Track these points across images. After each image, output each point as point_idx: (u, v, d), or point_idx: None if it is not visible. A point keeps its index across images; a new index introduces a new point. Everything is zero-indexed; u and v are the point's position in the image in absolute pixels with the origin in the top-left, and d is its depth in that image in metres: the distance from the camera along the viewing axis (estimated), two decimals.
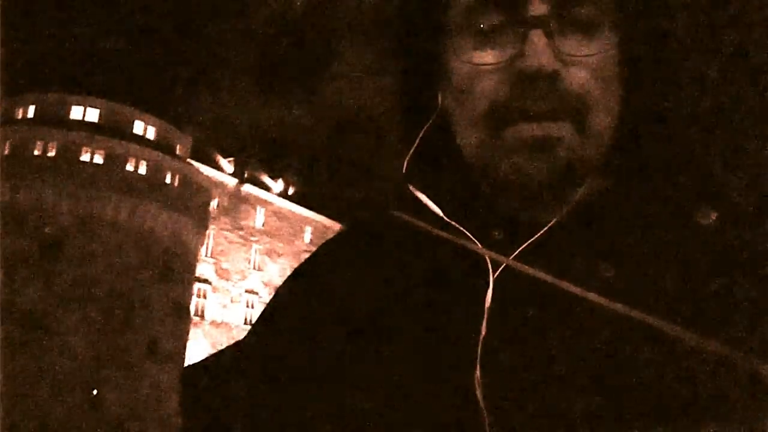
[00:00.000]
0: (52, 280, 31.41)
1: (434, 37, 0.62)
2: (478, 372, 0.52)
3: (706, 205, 0.57)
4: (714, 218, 0.56)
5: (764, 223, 0.56)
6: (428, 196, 0.62)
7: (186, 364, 0.69)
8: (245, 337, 0.69)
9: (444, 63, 0.61)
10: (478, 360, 0.53)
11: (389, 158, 0.68)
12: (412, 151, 0.64)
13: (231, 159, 44.10)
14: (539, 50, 0.54)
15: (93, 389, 31.30)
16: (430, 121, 0.64)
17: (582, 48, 0.55)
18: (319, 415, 0.57)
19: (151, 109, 36.88)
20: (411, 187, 0.63)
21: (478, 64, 0.57)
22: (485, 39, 0.57)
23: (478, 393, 0.51)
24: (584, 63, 0.56)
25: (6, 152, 33.15)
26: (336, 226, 46.87)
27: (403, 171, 0.64)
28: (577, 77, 0.55)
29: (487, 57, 0.57)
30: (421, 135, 0.65)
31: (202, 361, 0.69)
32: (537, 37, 0.54)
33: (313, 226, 47.72)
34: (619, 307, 0.49)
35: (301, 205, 47.31)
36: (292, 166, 48.57)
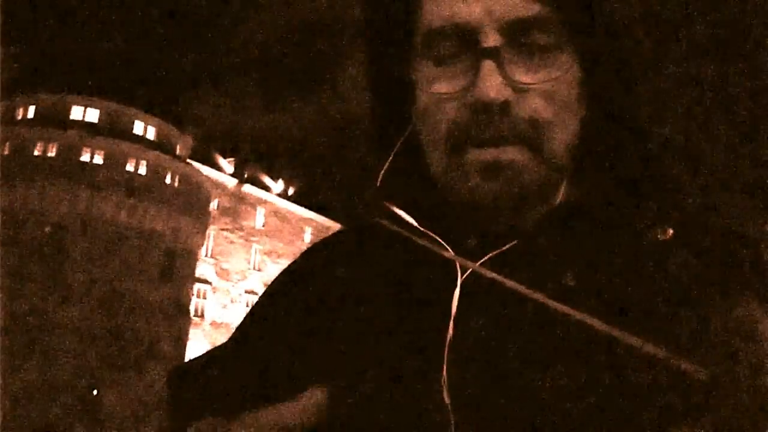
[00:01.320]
0: (52, 280, 31.40)
1: (403, 56, 0.64)
2: (444, 374, 0.54)
3: (663, 221, 0.59)
4: (670, 234, 0.58)
5: (717, 239, 0.58)
6: (406, 205, 0.64)
7: (173, 366, 0.70)
8: (231, 337, 0.70)
9: (412, 85, 0.63)
10: (445, 362, 0.54)
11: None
12: (386, 165, 0.66)
13: (231, 159, 44.11)
14: (491, 81, 0.55)
15: (93, 389, 31.29)
16: (404, 137, 0.66)
17: (536, 75, 0.57)
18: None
19: (152, 111, 36.84)
20: (385, 202, 0.65)
21: (436, 93, 0.59)
22: (442, 67, 0.59)
23: (445, 394, 0.53)
24: (539, 89, 0.57)
25: (6, 152, 33.09)
26: (336, 227, 46.89)
27: (377, 185, 0.66)
28: (531, 104, 0.57)
29: (444, 86, 0.58)
30: (394, 151, 0.67)
31: (188, 361, 0.70)
32: (489, 68, 0.56)
33: (313, 227, 47.72)
34: (575, 312, 0.52)
35: (301, 206, 47.32)
36: (293, 169, 48.59)
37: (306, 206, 47.57)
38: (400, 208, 0.64)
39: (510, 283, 0.54)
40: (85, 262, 32.24)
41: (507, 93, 0.56)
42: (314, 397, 0.51)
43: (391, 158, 0.67)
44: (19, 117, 34.93)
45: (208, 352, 0.71)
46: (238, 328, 0.70)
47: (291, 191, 47.67)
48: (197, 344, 38.01)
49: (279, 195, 46.52)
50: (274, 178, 46.64)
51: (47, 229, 32.03)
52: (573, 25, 0.58)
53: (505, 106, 0.56)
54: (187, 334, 36.83)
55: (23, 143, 33.25)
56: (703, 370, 0.47)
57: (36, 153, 33.19)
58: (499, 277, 0.55)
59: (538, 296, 0.53)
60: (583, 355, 0.52)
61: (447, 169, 0.60)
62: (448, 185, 0.61)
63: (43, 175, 32.56)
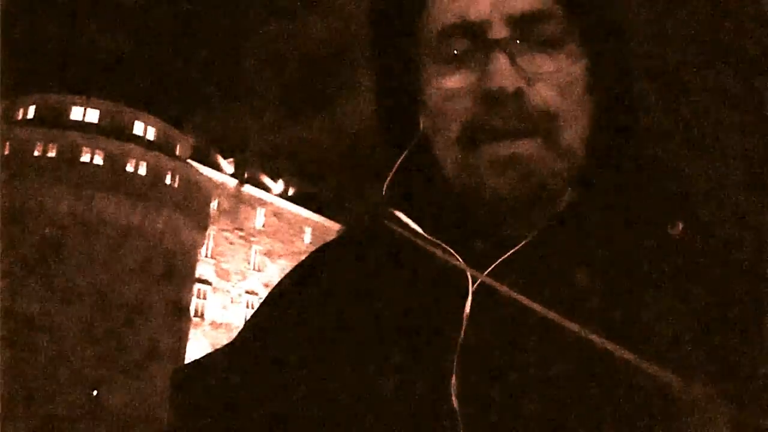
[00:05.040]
0: (52, 280, 31.32)
1: (407, 65, 0.65)
2: (454, 380, 0.54)
3: (675, 216, 0.59)
4: (680, 229, 0.59)
5: (728, 232, 0.59)
6: (412, 212, 0.65)
7: (176, 366, 0.71)
8: (235, 338, 0.70)
9: (419, 89, 0.64)
10: (455, 368, 0.55)
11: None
12: (391, 174, 0.67)
13: (231, 159, 44.06)
14: (502, 70, 0.56)
15: (93, 389, 31.20)
16: (411, 145, 0.67)
17: (545, 65, 0.58)
18: (306, 414, 0.59)
19: (154, 113, 36.79)
20: (392, 210, 0.66)
21: (447, 89, 0.60)
22: (452, 65, 0.60)
23: (454, 399, 0.53)
24: (549, 80, 0.58)
25: (6, 152, 33.04)
26: (336, 227, 46.83)
27: (383, 194, 0.67)
28: (543, 94, 0.57)
29: (456, 81, 0.59)
30: (401, 159, 0.67)
31: (192, 362, 0.71)
32: (499, 59, 0.57)
33: (313, 227, 47.68)
34: (577, 328, 0.50)
35: (301, 206, 47.28)
36: (304, 178, 48.49)
37: (306, 206, 47.53)
38: (407, 214, 0.65)
39: (519, 297, 0.53)
40: (84, 262, 32.18)
41: (519, 82, 0.57)
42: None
43: (396, 167, 0.67)
44: (19, 117, 34.89)
45: (212, 353, 0.71)
46: (245, 328, 0.71)
47: (291, 191, 47.63)
48: (197, 344, 37.93)
49: (279, 195, 46.49)
50: (274, 179, 46.60)
51: (47, 229, 31.95)
52: (577, 17, 0.59)
53: (518, 95, 0.57)
54: (187, 334, 36.76)
55: (23, 143, 33.19)
56: (685, 386, 0.47)
57: (36, 153, 33.15)
58: (509, 290, 0.54)
59: (542, 309, 0.52)
60: (589, 366, 0.52)
61: (460, 167, 0.60)
62: (461, 183, 0.61)
63: (43, 175, 32.51)
